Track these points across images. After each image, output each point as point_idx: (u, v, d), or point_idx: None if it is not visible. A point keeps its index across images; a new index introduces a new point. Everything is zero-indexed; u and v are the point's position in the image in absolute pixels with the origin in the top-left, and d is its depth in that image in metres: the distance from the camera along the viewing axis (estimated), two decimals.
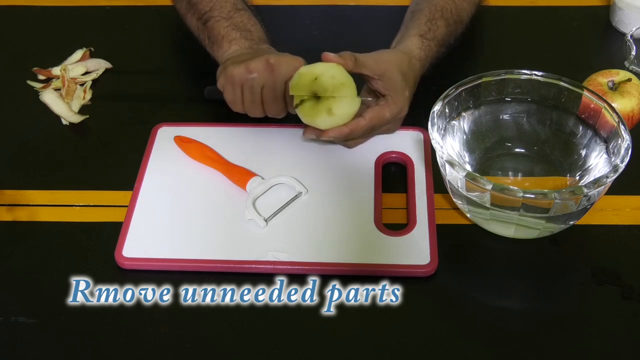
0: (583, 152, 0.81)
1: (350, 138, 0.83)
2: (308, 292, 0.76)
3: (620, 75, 0.89)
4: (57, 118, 0.95)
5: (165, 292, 0.76)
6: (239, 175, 0.85)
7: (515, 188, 0.71)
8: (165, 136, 0.90)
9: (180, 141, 0.89)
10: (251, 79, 0.81)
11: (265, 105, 0.83)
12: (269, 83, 0.81)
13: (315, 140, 0.85)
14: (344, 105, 0.78)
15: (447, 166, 0.74)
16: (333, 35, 1.05)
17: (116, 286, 0.77)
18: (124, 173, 0.87)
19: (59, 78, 0.99)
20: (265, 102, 0.83)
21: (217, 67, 0.87)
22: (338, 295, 0.75)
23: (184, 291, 0.76)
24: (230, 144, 0.89)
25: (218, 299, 0.75)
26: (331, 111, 0.78)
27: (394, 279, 0.76)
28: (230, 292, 0.76)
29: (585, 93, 0.80)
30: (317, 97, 0.78)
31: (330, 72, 0.78)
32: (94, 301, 0.75)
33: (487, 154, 0.85)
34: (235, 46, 0.88)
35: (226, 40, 0.89)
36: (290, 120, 0.93)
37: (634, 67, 0.91)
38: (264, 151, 0.88)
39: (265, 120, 0.92)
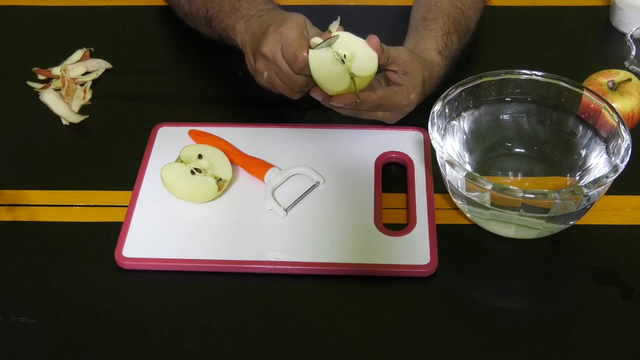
0: (583, 152, 0.81)
1: (356, 108, 0.82)
2: (308, 292, 0.75)
3: (620, 75, 0.89)
4: (57, 118, 0.95)
5: (165, 291, 0.76)
6: (257, 166, 0.85)
7: (515, 188, 0.71)
8: (165, 136, 0.90)
9: (196, 135, 0.89)
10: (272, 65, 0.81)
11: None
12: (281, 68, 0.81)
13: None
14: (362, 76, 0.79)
15: (447, 166, 0.74)
16: None
17: (116, 286, 0.77)
18: (124, 173, 0.87)
19: (59, 78, 0.99)
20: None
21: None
22: (338, 295, 0.75)
23: (184, 291, 0.76)
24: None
25: (218, 299, 0.75)
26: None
27: (394, 279, 0.76)
28: (230, 292, 0.76)
29: (585, 93, 0.80)
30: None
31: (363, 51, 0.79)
32: (94, 301, 0.75)
33: (487, 154, 0.85)
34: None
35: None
36: (290, 120, 0.93)
37: (634, 67, 0.91)
38: (263, 151, 0.88)
39: (264, 120, 0.92)
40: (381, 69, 0.82)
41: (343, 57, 0.79)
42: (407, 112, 0.86)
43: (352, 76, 0.79)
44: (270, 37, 0.80)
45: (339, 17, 0.81)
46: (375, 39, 0.79)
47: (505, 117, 0.85)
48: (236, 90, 0.98)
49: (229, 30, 0.90)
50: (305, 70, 0.79)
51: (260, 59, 0.82)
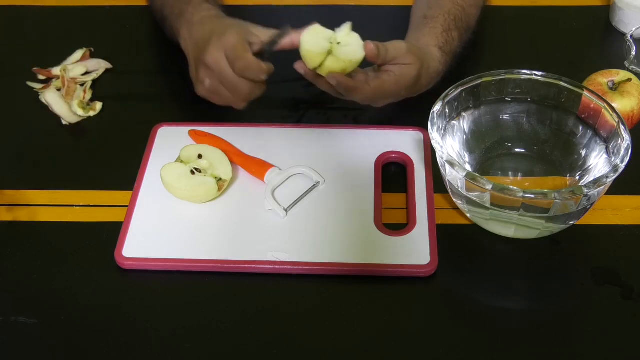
0: (583, 152, 0.81)
1: (348, 92, 0.80)
2: (308, 292, 0.75)
3: (620, 75, 0.89)
4: (57, 118, 0.95)
5: (165, 291, 0.76)
6: (257, 166, 0.85)
7: (515, 188, 0.71)
8: (165, 136, 0.90)
9: (196, 135, 0.89)
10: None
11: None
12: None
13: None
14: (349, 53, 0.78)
15: (447, 166, 0.74)
16: None
17: (116, 286, 0.77)
18: (124, 173, 0.87)
19: (59, 78, 0.99)
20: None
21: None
22: (338, 295, 0.75)
23: (184, 291, 0.76)
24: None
25: (218, 299, 0.75)
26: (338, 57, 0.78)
27: (394, 279, 0.76)
28: (230, 292, 0.76)
29: (585, 93, 0.80)
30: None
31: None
32: (94, 301, 0.75)
33: (487, 154, 0.85)
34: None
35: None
36: (290, 120, 0.93)
37: (634, 67, 0.91)
38: (263, 151, 0.88)
39: (264, 120, 0.92)
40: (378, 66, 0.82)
41: (337, 43, 0.78)
42: (403, 96, 0.84)
43: (330, 52, 0.77)
44: (212, 46, 0.80)
45: (349, 22, 0.80)
46: (370, 45, 0.78)
47: (505, 117, 0.85)
48: None
49: (177, 33, 0.91)
50: (247, 72, 0.79)
51: (202, 68, 0.82)
